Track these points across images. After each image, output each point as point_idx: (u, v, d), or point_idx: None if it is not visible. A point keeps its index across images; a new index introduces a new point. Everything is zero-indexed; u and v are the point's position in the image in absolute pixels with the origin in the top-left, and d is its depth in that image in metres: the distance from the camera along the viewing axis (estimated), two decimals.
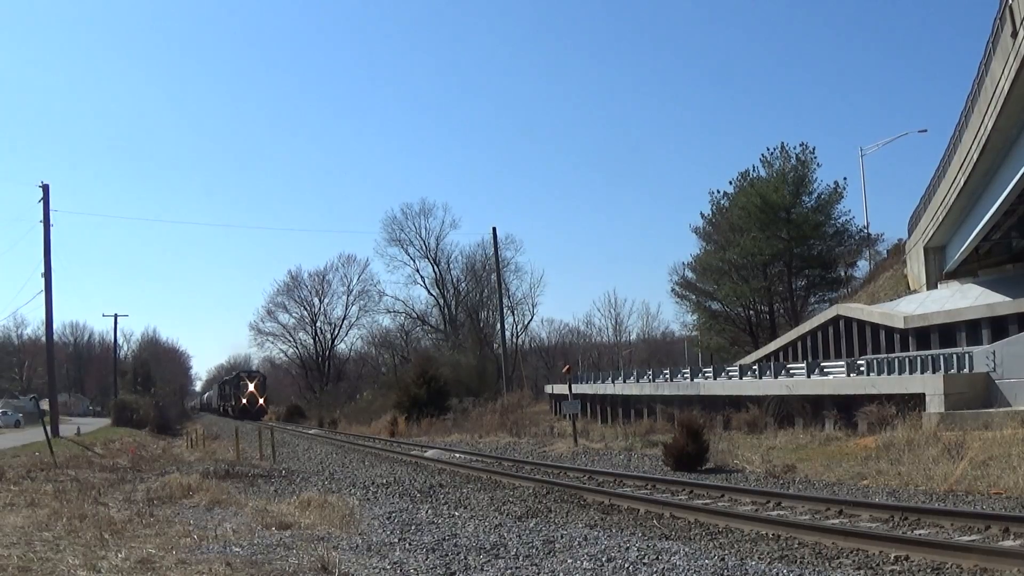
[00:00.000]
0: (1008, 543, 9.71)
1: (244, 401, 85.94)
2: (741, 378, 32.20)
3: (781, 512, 12.95)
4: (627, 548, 9.67)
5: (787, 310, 54.14)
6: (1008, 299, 29.45)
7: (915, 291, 38.80)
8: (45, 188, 41.98)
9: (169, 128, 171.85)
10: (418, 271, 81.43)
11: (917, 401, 21.88)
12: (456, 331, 78.06)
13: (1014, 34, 20.65)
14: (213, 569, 8.40)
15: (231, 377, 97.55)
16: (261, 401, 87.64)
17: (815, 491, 15.37)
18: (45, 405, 44.14)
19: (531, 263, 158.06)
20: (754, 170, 54.15)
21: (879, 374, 24.83)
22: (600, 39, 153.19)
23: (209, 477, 19.44)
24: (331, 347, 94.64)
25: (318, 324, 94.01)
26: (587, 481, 18.56)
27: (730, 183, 56.06)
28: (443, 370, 58.35)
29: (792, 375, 29.68)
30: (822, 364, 29.82)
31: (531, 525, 12.00)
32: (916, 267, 39.58)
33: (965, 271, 35.30)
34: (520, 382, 60.76)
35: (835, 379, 26.92)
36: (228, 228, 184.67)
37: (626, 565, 8.74)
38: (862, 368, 26.36)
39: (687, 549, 9.65)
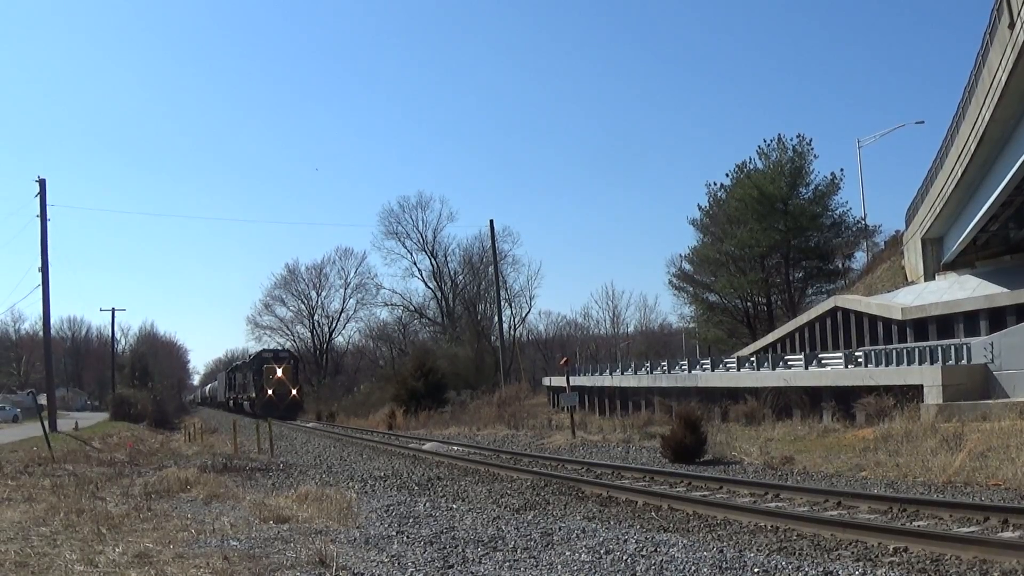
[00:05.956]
0: (1007, 534, 9.71)
1: (269, 392, 67.87)
2: (739, 370, 32.21)
3: (779, 504, 12.94)
4: (625, 540, 9.65)
5: (785, 302, 54.20)
6: (1006, 290, 29.49)
7: (913, 282, 38.82)
8: (42, 183, 41.89)
9: (165, 123, 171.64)
10: (415, 264, 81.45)
11: (915, 392, 21.90)
12: (454, 324, 78.03)
13: (1011, 25, 20.61)
14: (211, 563, 8.38)
15: (248, 360, 79.60)
16: (294, 392, 69.97)
17: (813, 483, 15.37)
18: (43, 400, 44.03)
19: (528, 255, 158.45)
20: (751, 162, 54.29)
21: (877, 366, 24.85)
22: (596, 33, 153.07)
23: (207, 471, 19.42)
24: (329, 340, 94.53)
25: (315, 317, 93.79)
26: (585, 473, 18.55)
27: (727, 175, 56.21)
28: (441, 363, 58.35)
29: (790, 367, 29.72)
30: (820, 356, 29.85)
31: (529, 517, 11.99)
32: (914, 258, 39.59)
33: (963, 262, 35.32)
34: (518, 375, 60.76)
35: (833, 371, 26.94)
36: (225, 222, 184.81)
37: (624, 557, 8.73)
38: (860, 360, 26.38)
39: (685, 541, 9.64)
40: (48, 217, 41.90)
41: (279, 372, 69.23)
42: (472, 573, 8.31)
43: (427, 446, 29.42)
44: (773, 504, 12.94)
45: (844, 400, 24.83)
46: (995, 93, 22.73)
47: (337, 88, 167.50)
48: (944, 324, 31.35)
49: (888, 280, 43.09)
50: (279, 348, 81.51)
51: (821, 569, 7.86)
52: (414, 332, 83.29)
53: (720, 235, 55.06)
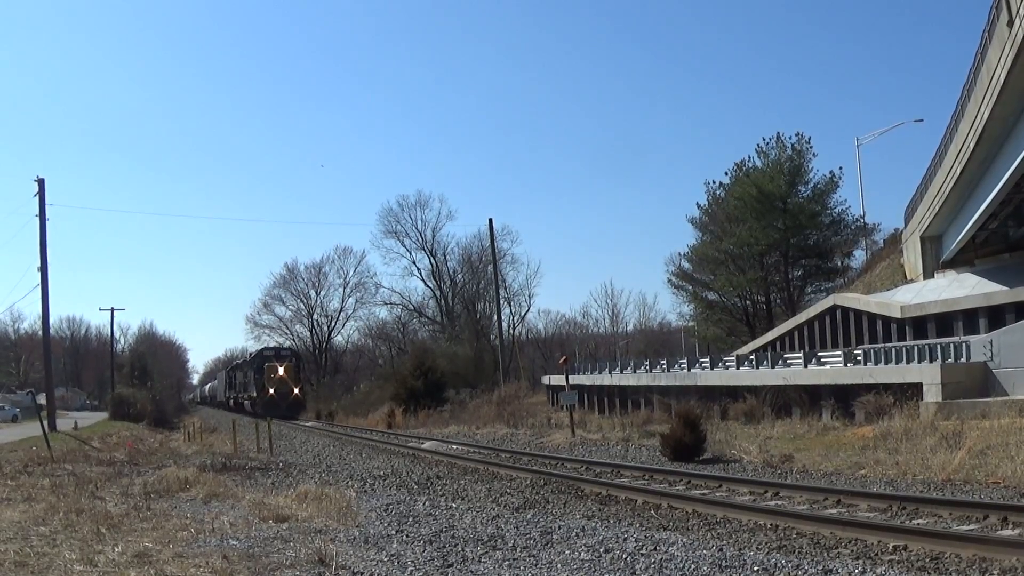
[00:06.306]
0: (1007, 532, 9.72)
1: (271, 391, 66.13)
2: (738, 368, 32.21)
3: (779, 502, 12.95)
4: (625, 539, 9.66)
5: (784, 300, 54.18)
6: (1005, 288, 29.48)
7: (912, 281, 38.83)
8: (41, 182, 41.90)
9: (165, 123, 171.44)
10: (414, 263, 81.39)
11: (914, 391, 21.90)
12: (453, 323, 78.01)
13: (1010, 23, 20.59)
14: (210, 562, 8.38)
15: (249, 359, 77.22)
16: (296, 391, 68.14)
17: (813, 481, 15.38)
18: (42, 399, 44.01)
19: (527, 254, 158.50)
20: (750, 160, 54.20)
21: (876, 364, 24.86)
22: (596, 33, 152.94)
23: (206, 470, 19.42)
24: (328, 339, 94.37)
25: (315, 316, 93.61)
26: (584, 472, 18.55)
27: (726, 174, 56.11)
28: (440, 362, 58.31)
29: (789, 365, 29.72)
30: (819, 354, 29.85)
31: (528, 516, 11.99)
32: (913, 257, 39.60)
33: (962, 260, 35.32)
34: (517, 373, 60.74)
35: (832, 369, 26.94)
36: (224, 221, 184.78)
37: (624, 556, 8.73)
38: (859, 358, 26.39)
39: (685, 540, 9.65)
40: (47, 217, 41.97)
41: (281, 371, 67.39)
42: (472, 572, 8.31)
43: (426, 445, 29.42)
44: (772, 502, 12.94)
45: (843, 398, 24.84)
46: (994, 91, 22.72)
47: (337, 88, 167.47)
48: (943, 322, 31.35)
49: (887, 278, 43.10)
50: (280, 346, 79.50)
51: (820, 567, 7.87)
52: (413, 331, 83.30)
53: (719, 233, 55.01)
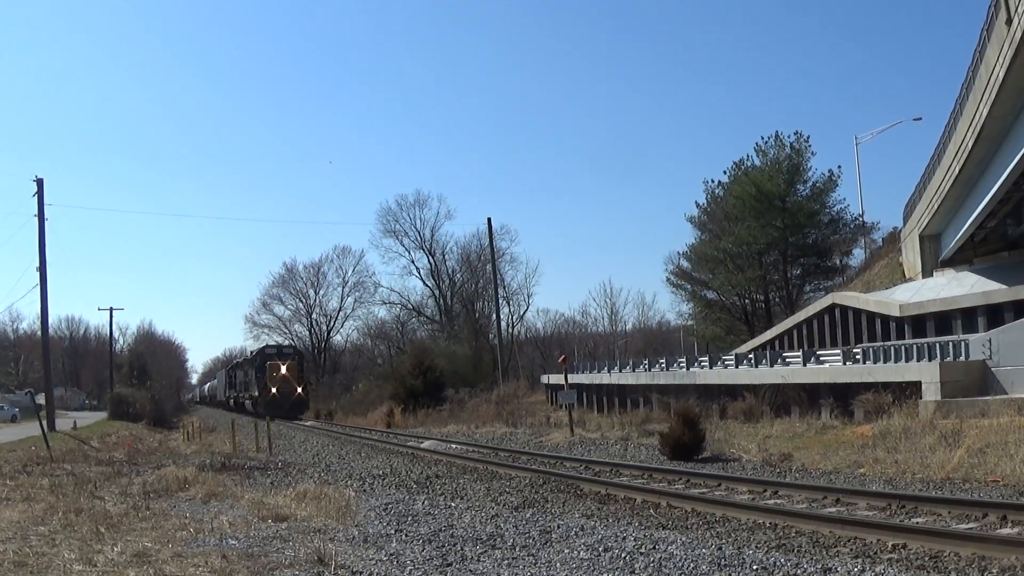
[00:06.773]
0: (1006, 531, 9.72)
1: (273, 390, 63.33)
2: (737, 367, 32.23)
3: (778, 501, 12.95)
4: (624, 538, 9.65)
5: (783, 299, 54.18)
6: (1004, 287, 29.52)
7: (911, 279, 38.87)
8: (39, 182, 41.90)
9: (164, 123, 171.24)
10: (413, 262, 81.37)
11: (913, 389, 21.92)
12: (452, 322, 78.02)
13: (1008, 21, 20.62)
14: (209, 562, 8.37)
15: (250, 356, 74.16)
16: (299, 390, 65.36)
17: (812, 480, 15.39)
18: (41, 399, 43.94)
19: (526, 253, 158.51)
20: (749, 159, 54.18)
21: (875, 362, 24.88)
22: (594, 29, 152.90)
23: (205, 470, 19.42)
24: (327, 339, 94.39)
25: (314, 316, 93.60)
26: (583, 471, 18.55)
27: (725, 173, 56.10)
28: (439, 361, 58.28)
29: (788, 364, 29.74)
30: (818, 352, 29.87)
31: (527, 515, 11.98)
32: (912, 255, 39.63)
33: (961, 259, 35.36)
34: (516, 372, 60.80)
35: (831, 367, 26.96)
36: (223, 220, 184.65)
37: (623, 555, 8.73)
38: (858, 356, 26.41)
39: (684, 538, 9.64)
40: (46, 216, 41.96)
41: (283, 369, 64.59)
42: (471, 571, 8.30)
43: (425, 444, 29.41)
44: (772, 501, 12.95)
45: (842, 397, 24.86)
46: (993, 89, 22.74)
47: (337, 87, 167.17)
48: (942, 321, 31.38)
49: (886, 277, 43.14)
50: (283, 344, 77.49)
51: (820, 566, 7.86)
52: (412, 330, 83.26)
53: (718, 232, 55.00)
